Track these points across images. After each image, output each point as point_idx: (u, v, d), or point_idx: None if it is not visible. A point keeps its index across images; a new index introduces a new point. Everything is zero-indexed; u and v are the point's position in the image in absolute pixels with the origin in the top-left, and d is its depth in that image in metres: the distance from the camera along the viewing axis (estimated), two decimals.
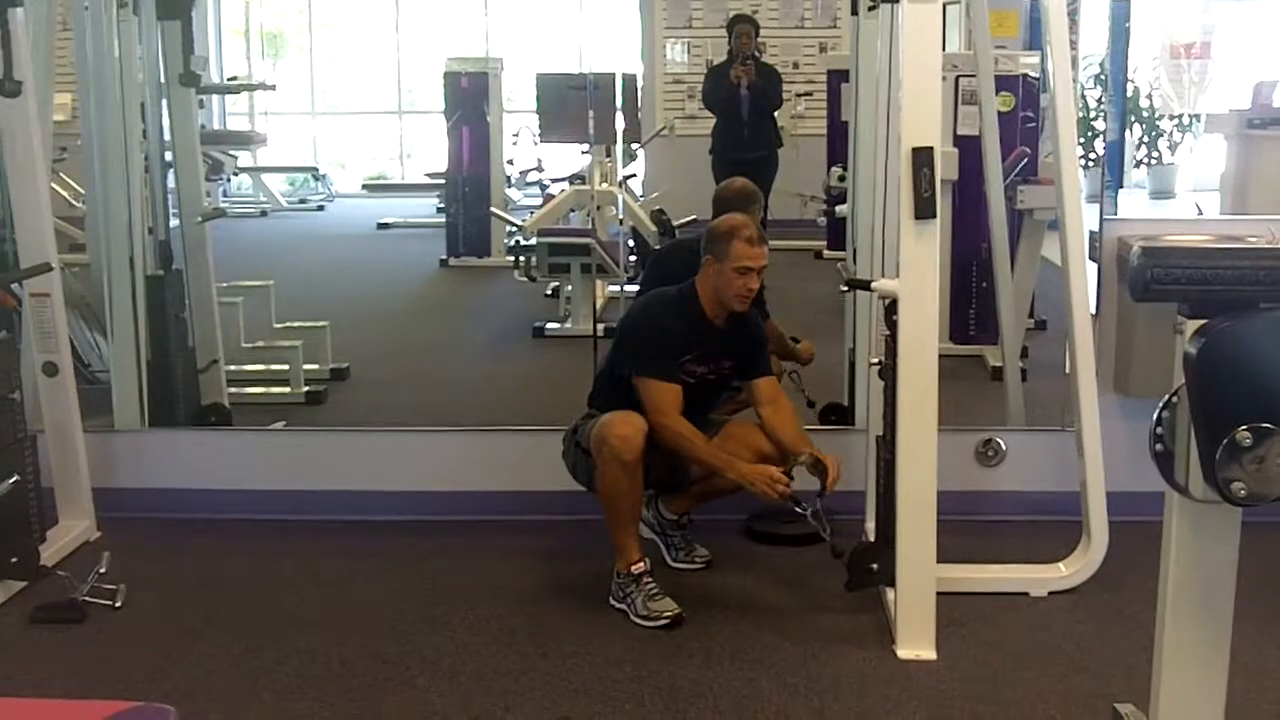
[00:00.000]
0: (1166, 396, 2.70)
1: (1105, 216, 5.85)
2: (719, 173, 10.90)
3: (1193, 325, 2.65)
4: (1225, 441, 2.54)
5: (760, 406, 5.52)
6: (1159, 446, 2.72)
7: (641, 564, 5.24)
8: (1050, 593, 5.37)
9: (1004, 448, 6.20)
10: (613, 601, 5.27)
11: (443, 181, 12.84)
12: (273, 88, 15.77)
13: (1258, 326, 2.60)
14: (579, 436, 5.41)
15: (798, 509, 5.17)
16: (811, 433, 6.28)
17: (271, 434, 6.89)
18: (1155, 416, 2.73)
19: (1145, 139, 16.24)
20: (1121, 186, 6.27)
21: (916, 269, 4.77)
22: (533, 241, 9.90)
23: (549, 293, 10.27)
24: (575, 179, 10.95)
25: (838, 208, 8.58)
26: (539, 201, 12.10)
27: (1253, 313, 2.63)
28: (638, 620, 5.13)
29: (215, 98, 14.27)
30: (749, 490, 5.18)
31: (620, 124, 9.78)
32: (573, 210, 10.45)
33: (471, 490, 6.33)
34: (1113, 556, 5.36)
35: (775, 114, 10.93)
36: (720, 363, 5.45)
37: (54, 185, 7.05)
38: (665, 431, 5.17)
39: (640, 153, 11.56)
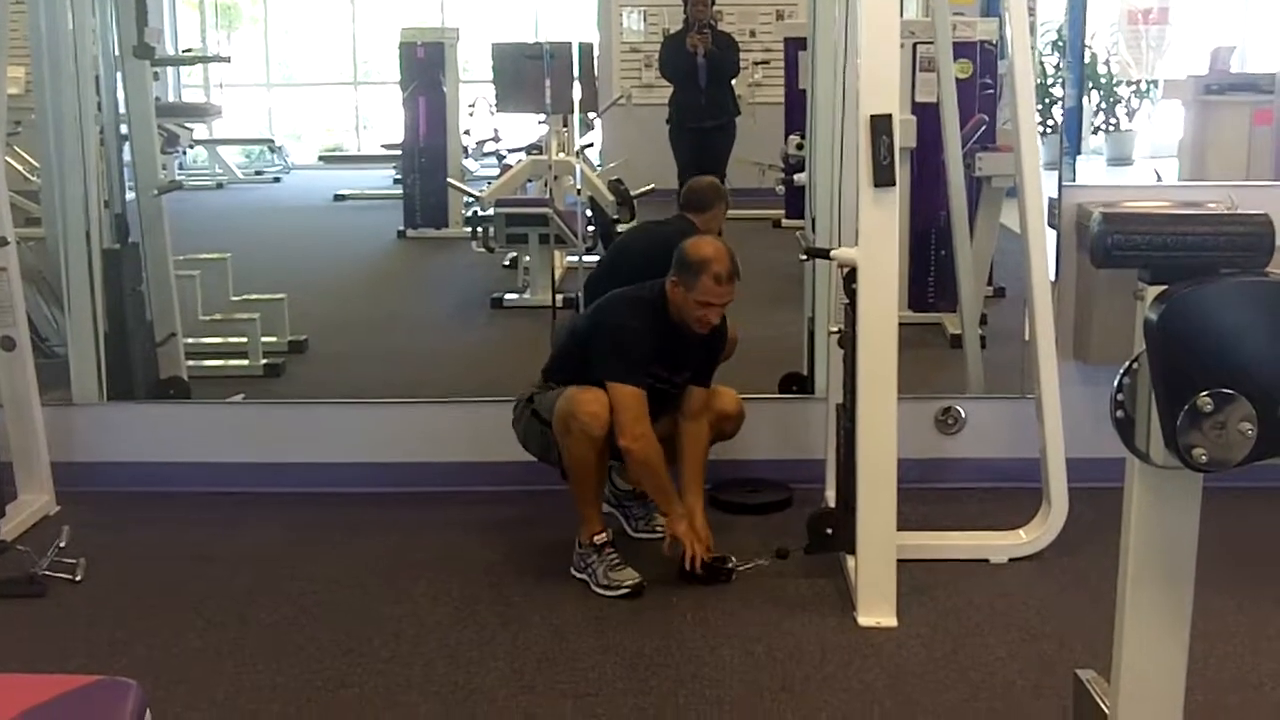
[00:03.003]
0: (1127, 363, 2.70)
1: (1064, 184, 5.85)
2: (676, 141, 10.93)
3: (1153, 291, 2.65)
4: (1186, 407, 2.54)
5: (684, 417, 5.49)
6: (1120, 413, 2.72)
7: (604, 534, 5.24)
8: (1011, 559, 5.38)
9: (963, 415, 6.21)
10: (574, 572, 5.27)
11: (399, 153, 12.85)
12: (227, 60, 15.74)
13: (1218, 292, 2.60)
14: (537, 406, 5.40)
15: (727, 567, 5.27)
16: (771, 401, 6.31)
17: (230, 407, 6.86)
18: (1116, 383, 2.73)
19: (1103, 105, 16.30)
20: (1079, 153, 6.28)
21: (875, 237, 4.77)
22: (490, 212, 9.89)
23: (507, 263, 10.27)
24: (532, 149, 10.93)
25: (796, 176, 8.59)
26: (496, 172, 12.10)
27: (1213, 278, 2.63)
28: (599, 590, 5.14)
29: (170, 70, 14.23)
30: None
31: (577, 93, 9.75)
32: (530, 180, 10.44)
33: (431, 461, 6.32)
34: (1073, 522, 5.38)
35: (733, 82, 10.95)
36: (682, 373, 5.44)
37: (8, 159, 7.01)
38: (635, 441, 5.13)
39: (597, 122, 11.57)
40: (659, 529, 5.65)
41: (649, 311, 5.33)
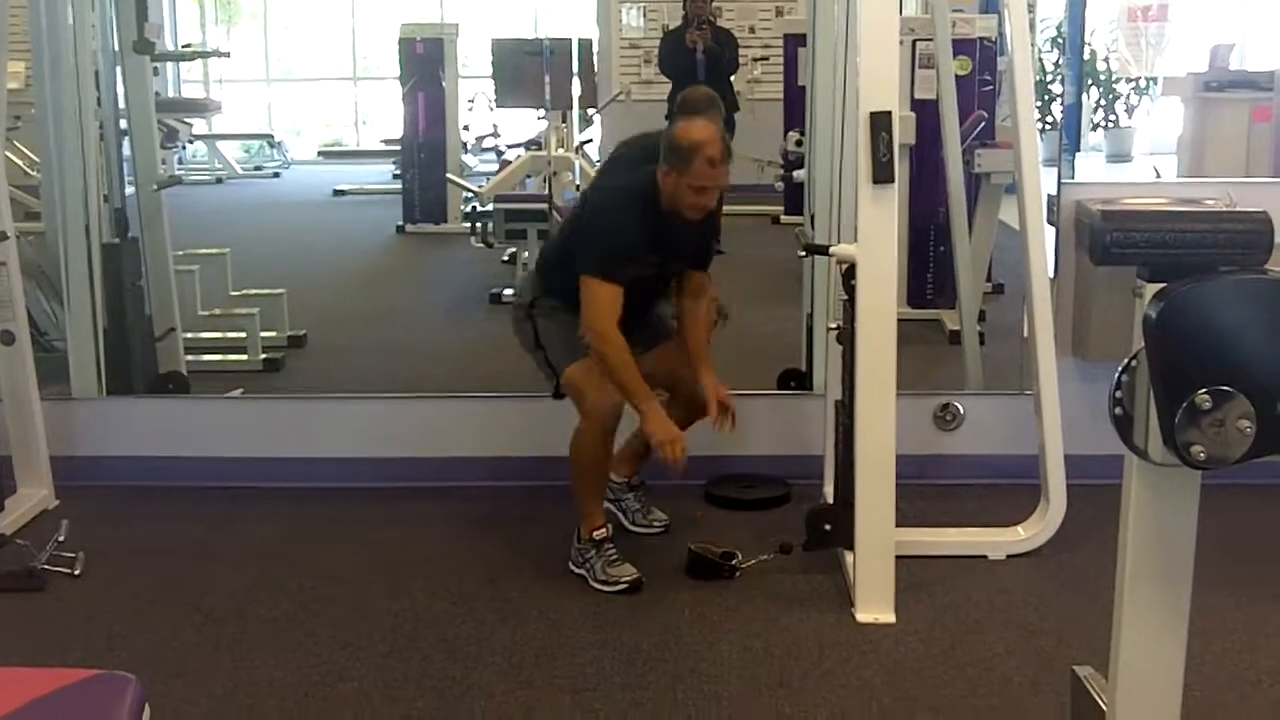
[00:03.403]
0: (1126, 360, 2.70)
1: (1063, 180, 5.84)
2: None
3: (1152, 289, 2.65)
4: (1185, 405, 2.54)
5: (684, 296, 5.49)
6: (1118, 410, 2.72)
7: (604, 530, 5.24)
8: (1009, 556, 5.39)
9: (962, 411, 6.21)
10: (571, 567, 5.27)
11: (398, 148, 12.83)
12: (227, 55, 15.73)
13: (1217, 290, 2.60)
14: (540, 333, 5.39)
15: (731, 563, 5.26)
16: (770, 398, 6.31)
17: (229, 401, 6.87)
18: (1114, 380, 2.73)
19: (1102, 102, 16.29)
20: (1078, 150, 6.28)
21: (875, 234, 4.77)
22: (489, 207, 9.90)
23: (505, 259, 10.25)
24: (531, 145, 10.93)
25: (795, 172, 8.58)
26: (495, 167, 12.11)
27: (1212, 276, 2.63)
28: (596, 585, 5.14)
29: (170, 65, 14.22)
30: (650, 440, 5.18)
31: (576, 89, 9.76)
32: (529, 176, 10.44)
33: (430, 456, 6.32)
34: (1071, 519, 5.39)
35: (731, 78, 10.95)
36: (678, 261, 5.39)
37: (8, 154, 7.01)
38: (601, 340, 5.08)
39: (596, 118, 11.56)
40: (657, 523, 5.66)
41: (639, 202, 5.24)
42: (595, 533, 5.22)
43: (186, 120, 14.66)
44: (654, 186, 5.22)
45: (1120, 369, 2.70)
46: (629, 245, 5.17)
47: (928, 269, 8.54)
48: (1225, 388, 2.53)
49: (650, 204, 5.23)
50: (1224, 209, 2.79)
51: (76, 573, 5.24)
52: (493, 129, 13.19)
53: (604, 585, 5.12)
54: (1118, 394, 2.72)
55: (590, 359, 5.16)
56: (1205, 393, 2.54)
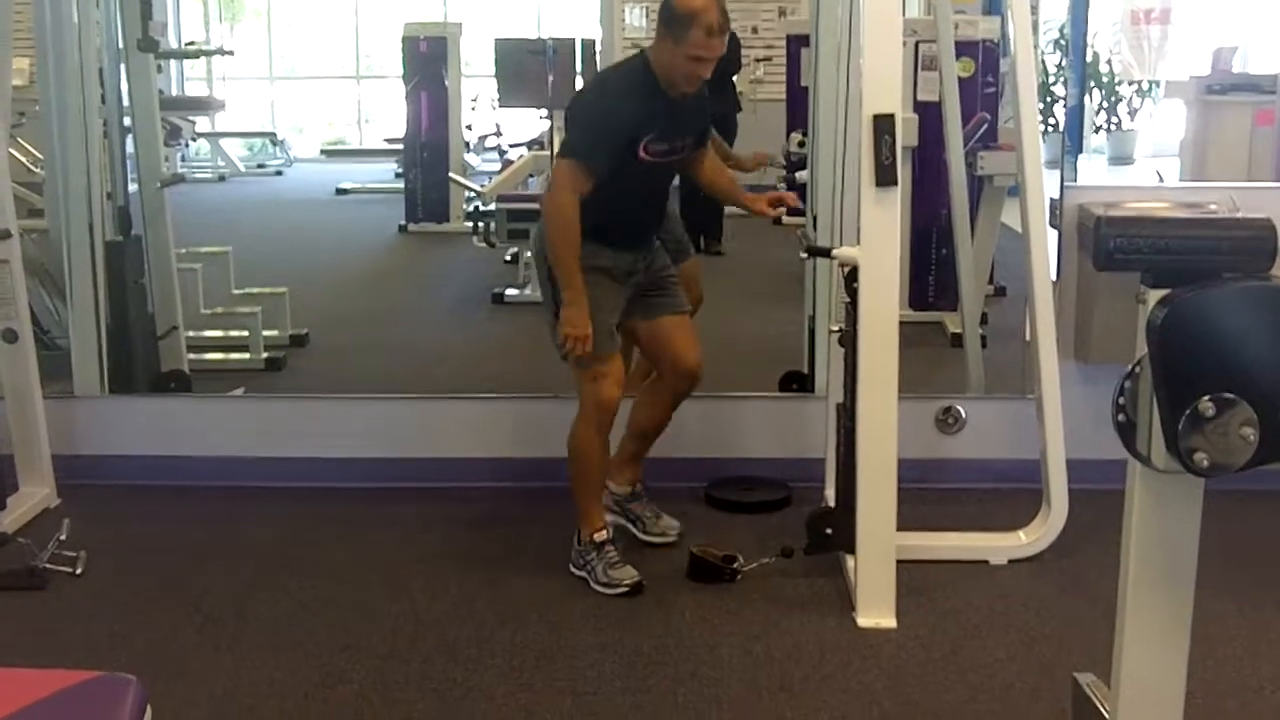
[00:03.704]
0: (1129, 367, 2.71)
1: (1066, 184, 5.84)
2: None
3: (1155, 295, 2.65)
4: (1188, 412, 2.54)
5: (699, 169, 5.50)
6: (1121, 417, 2.72)
7: (604, 532, 5.23)
8: (1010, 560, 5.38)
9: (964, 415, 6.20)
10: (572, 569, 5.26)
11: (401, 147, 12.88)
12: (231, 53, 15.75)
13: (1220, 296, 2.61)
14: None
15: (733, 566, 5.24)
16: (771, 400, 6.32)
17: (232, 400, 6.86)
18: (1118, 387, 2.73)
19: (1105, 104, 16.29)
20: (1081, 152, 6.27)
21: (877, 236, 4.77)
22: (492, 207, 9.90)
23: (508, 258, 10.26)
24: (534, 144, 10.94)
25: (797, 174, 8.58)
26: (498, 167, 12.12)
27: (1215, 283, 2.64)
28: (598, 588, 5.13)
29: (173, 62, 14.24)
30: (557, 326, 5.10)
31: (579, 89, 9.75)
32: (532, 175, 10.44)
33: (431, 457, 6.31)
34: (1073, 524, 5.38)
35: (734, 79, 10.93)
36: (682, 138, 5.28)
37: (12, 150, 7.02)
38: (556, 210, 5.01)
39: None
40: (671, 531, 5.61)
41: (627, 86, 5.18)
42: (595, 535, 5.22)
43: (190, 118, 14.68)
44: (644, 66, 5.15)
45: (1123, 375, 2.71)
46: (617, 127, 5.08)
47: (930, 271, 8.54)
48: (1228, 395, 2.54)
49: (642, 82, 5.14)
50: (1227, 215, 2.79)
51: (78, 572, 5.24)
52: (495, 128, 13.20)
53: (605, 588, 5.11)
54: (1121, 400, 2.73)
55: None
56: (1209, 399, 2.54)
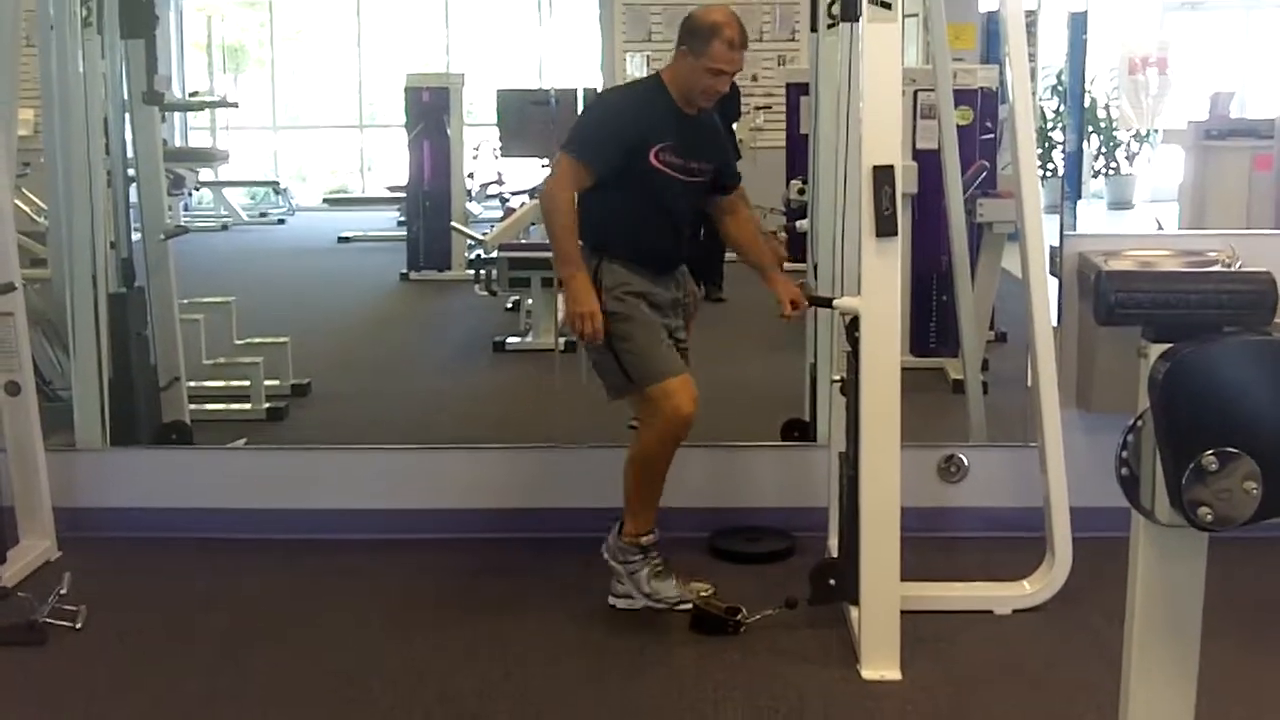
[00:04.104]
0: (1132, 420, 2.71)
1: (1066, 232, 5.85)
2: None
3: (1157, 349, 2.66)
4: (1191, 466, 2.54)
5: (724, 214, 5.52)
6: (1125, 470, 2.73)
7: (651, 535, 5.23)
8: (1014, 610, 5.36)
9: (966, 463, 6.20)
10: (607, 557, 5.27)
11: (403, 195, 12.90)
12: (235, 105, 15.79)
13: (1222, 351, 2.61)
14: (620, 357, 5.15)
15: (736, 618, 5.20)
16: (773, 449, 6.31)
17: (233, 452, 6.87)
18: (1121, 440, 2.73)
19: (1103, 149, 16.34)
20: (1079, 197, 6.28)
21: (878, 286, 4.77)
22: (494, 255, 9.92)
23: (509, 306, 10.28)
24: (536, 192, 10.95)
25: (798, 221, 8.59)
26: (500, 215, 12.14)
27: (1217, 337, 2.64)
28: (638, 597, 5.21)
29: (177, 112, 14.28)
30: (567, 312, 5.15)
31: None
32: (533, 224, 10.46)
33: (433, 508, 6.30)
34: (1077, 573, 5.35)
35: (734, 126, 10.95)
36: (698, 160, 5.28)
37: (16, 200, 7.03)
38: (552, 203, 5.09)
39: None
40: (704, 592, 5.50)
41: (635, 96, 5.25)
42: (643, 537, 5.21)
43: (193, 167, 14.71)
44: (657, 81, 5.23)
45: (1126, 429, 2.71)
46: (621, 129, 5.14)
47: (930, 317, 8.56)
48: (1232, 449, 2.54)
49: (654, 94, 5.21)
50: (1228, 269, 2.79)
51: (78, 626, 5.22)
52: (497, 177, 13.23)
53: (648, 600, 5.10)
54: (1124, 454, 2.73)
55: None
56: (1212, 454, 2.54)
